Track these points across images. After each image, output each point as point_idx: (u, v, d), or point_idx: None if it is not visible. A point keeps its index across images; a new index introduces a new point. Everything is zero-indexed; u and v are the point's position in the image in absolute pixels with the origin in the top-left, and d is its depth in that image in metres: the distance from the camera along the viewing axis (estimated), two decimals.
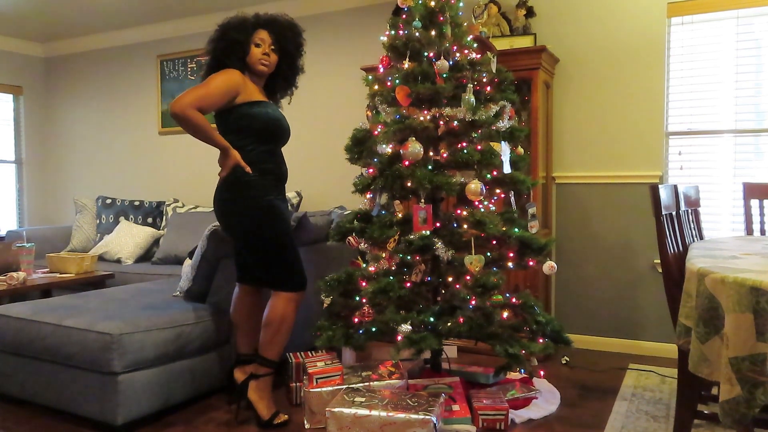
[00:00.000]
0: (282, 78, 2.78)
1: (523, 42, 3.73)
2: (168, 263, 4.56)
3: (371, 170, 2.85)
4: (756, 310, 1.42)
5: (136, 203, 5.20)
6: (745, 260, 1.77)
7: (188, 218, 4.74)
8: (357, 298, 2.77)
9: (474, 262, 2.61)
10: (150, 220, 5.10)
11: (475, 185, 2.65)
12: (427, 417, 2.23)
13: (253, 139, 2.61)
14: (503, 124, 2.80)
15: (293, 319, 2.67)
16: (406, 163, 2.68)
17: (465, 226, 2.73)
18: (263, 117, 2.61)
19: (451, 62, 2.78)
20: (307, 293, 3.36)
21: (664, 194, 2.18)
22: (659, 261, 2.77)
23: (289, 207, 2.99)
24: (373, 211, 2.88)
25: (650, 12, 3.63)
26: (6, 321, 2.81)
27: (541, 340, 2.71)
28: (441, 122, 2.77)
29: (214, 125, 2.61)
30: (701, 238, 2.67)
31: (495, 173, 2.77)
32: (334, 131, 4.61)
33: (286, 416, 2.65)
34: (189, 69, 5.30)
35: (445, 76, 2.74)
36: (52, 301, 3.01)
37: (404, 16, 2.86)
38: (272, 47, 2.66)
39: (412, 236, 2.65)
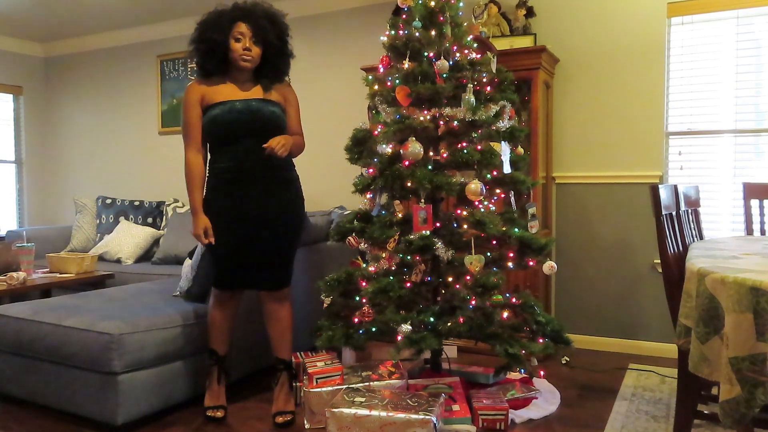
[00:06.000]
0: (271, 66, 2.70)
1: (523, 42, 3.73)
2: (168, 263, 4.56)
3: (371, 170, 2.85)
4: (756, 310, 1.42)
5: (136, 203, 5.20)
6: (745, 260, 1.77)
7: (188, 218, 4.68)
8: (357, 298, 2.77)
9: (474, 262, 2.61)
10: (150, 220, 5.10)
11: (475, 185, 2.65)
12: (427, 417, 2.23)
13: (209, 142, 2.68)
14: (503, 124, 2.80)
15: (210, 316, 2.77)
16: (406, 163, 2.68)
17: (465, 226, 2.73)
18: (206, 120, 2.62)
19: (451, 62, 2.78)
20: (308, 293, 3.38)
21: (664, 194, 2.18)
22: (659, 261, 2.76)
23: None
24: (373, 211, 2.87)
25: (650, 12, 3.62)
26: (6, 321, 2.81)
27: (541, 340, 2.71)
28: (441, 122, 2.77)
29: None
30: (701, 238, 2.67)
31: (495, 173, 2.77)
32: (334, 131, 4.61)
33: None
34: (189, 69, 5.30)
35: (445, 76, 2.74)
36: (52, 301, 3.01)
37: (404, 16, 2.86)
38: (253, 40, 2.58)
39: (412, 236, 2.65)
